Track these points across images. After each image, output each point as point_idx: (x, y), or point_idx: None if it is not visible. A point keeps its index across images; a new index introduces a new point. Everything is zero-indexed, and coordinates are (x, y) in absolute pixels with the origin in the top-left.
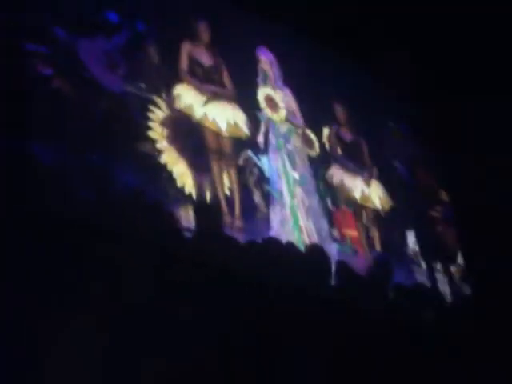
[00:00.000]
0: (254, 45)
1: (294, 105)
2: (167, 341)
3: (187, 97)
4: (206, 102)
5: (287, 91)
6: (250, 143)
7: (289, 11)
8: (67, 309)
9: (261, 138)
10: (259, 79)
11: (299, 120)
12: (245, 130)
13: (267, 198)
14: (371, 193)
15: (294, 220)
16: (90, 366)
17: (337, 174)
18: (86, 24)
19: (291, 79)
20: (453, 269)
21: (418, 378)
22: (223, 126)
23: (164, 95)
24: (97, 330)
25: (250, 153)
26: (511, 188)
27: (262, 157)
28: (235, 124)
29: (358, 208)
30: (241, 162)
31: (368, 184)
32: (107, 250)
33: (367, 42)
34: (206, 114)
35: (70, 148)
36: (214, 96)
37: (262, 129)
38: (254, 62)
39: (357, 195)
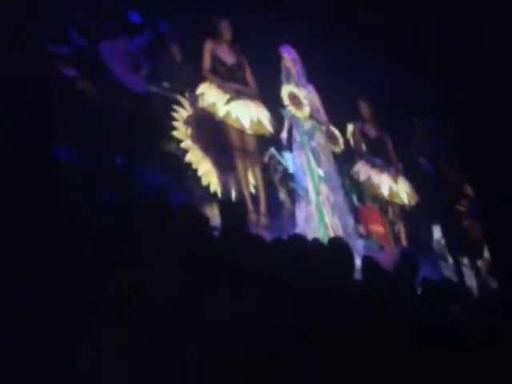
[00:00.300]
0: (278, 42)
1: (317, 102)
2: (196, 340)
3: (210, 95)
4: (228, 100)
5: (311, 88)
6: (274, 141)
7: (312, 8)
8: (93, 312)
9: (284, 135)
10: (283, 77)
11: (323, 117)
12: (269, 127)
13: (292, 195)
14: (398, 189)
15: (319, 217)
16: (119, 367)
17: (363, 171)
18: (109, 24)
19: (315, 76)
20: (479, 263)
21: (445, 373)
22: (247, 124)
23: (187, 94)
24: (125, 332)
25: (273, 150)
26: None
27: (286, 154)
28: (259, 121)
29: (383, 204)
30: (265, 159)
31: (395, 180)
32: (133, 252)
33: (391, 38)
34: (229, 112)
35: (95, 150)
36: (237, 94)
37: (286, 126)
38: (277, 60)
39: (385, 191)
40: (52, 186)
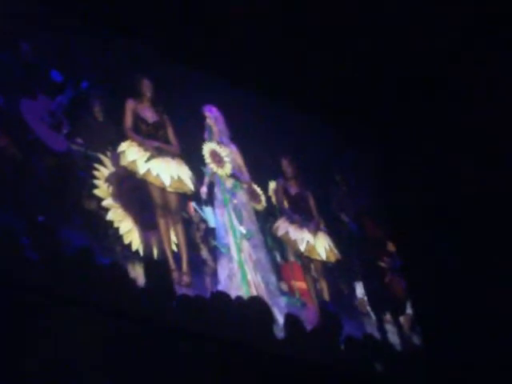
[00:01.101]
0: (201, 101)
1: (240, 161)
2: None
3: (131, 153)
4: (149, 158)
5: (233, 147)
6: (195, 198)
7: (234, 68)
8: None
9: (204, 190)
10: (205, 135)
11: (246, 176)
12: (189, 184)
13: (214, 252)
14: (317, 244)
15: (242, 274)
16: None
17: (282, 226)
18: (30, 83)
19: (238, 135)
20: (402, 319)
21: None
22: (167, 181)
23: (109, 153)
24: None
25: (194, 204)
26: (456, 236)
27: (207, 209)
28: (179, 179)
29: (305, 260)
30: (187, 214)
31: (314, 236)
32: (54, 315)
33: (315, 96)
34: (149, 170)
35: (16, 208)
36: (157, 152)
37: (206, 181)
38: (200, 118)
39: (301, 246)
40: None
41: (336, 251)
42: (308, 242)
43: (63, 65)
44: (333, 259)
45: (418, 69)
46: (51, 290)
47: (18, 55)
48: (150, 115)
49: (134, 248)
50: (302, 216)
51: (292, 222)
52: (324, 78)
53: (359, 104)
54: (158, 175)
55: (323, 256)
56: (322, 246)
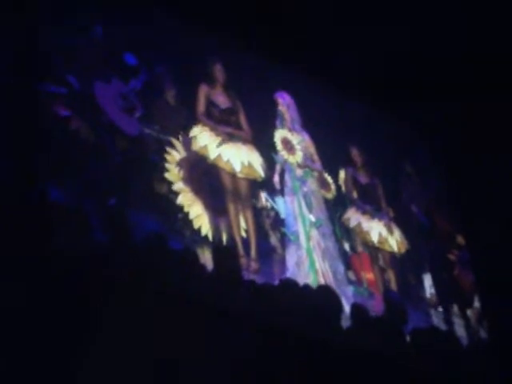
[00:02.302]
0: (273, 88)
1: (311, 149)
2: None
3: (202, 138)
4: (220, 143)
5: (305, 135)
6: (266, 185)
7: (308, 56)
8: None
9: (276, 179)
10: (277, 122)
11: (317, 164)
12: (260, 171)
13: (283, 240)
14: (388, 235)
15: (310, 262)
16: None
17: (354, 217)
18: (104, 66)
19: (309, 123)
20: (469, 312)
21: None
22: (237, 167)
23: (181, 137)
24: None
25: (264, 191)
26: None
27: (278, 198)
28: (250, 165)
29: (374, 251)
30: (259, 204)
31: (385, 227)
32: (123, 297)
33: (385, 86)
34: (220, 155)
35: (87, 191)
36: (229, 137)
37: (278, 170)
38: (272, 105)
39: (374, 238)
40: (43, 226)
41: (405, 242)
42: (380, 233)
43: (137, 48)
44: (402, 250)
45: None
46: (120, 273)
47: (92, 39)
48: (222, 100)
49: (203, 233)
50: (372, 206)
51: (363, 212)
52: (397, 68)
53: (432, 95)
54: (228, 161)
55: (394, 247)
56: (393, 238)
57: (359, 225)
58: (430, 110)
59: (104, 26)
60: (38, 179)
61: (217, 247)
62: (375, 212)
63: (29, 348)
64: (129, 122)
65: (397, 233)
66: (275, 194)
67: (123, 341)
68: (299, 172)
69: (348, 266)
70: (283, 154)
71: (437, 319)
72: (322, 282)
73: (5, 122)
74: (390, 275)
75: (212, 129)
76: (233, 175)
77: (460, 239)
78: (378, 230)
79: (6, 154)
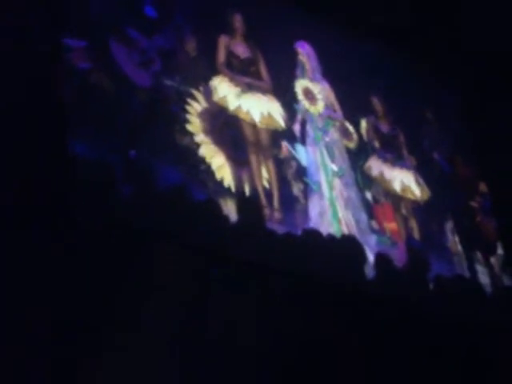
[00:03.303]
0: (293, 38)
1: (332, 98)
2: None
3: (222, 89)
4: (240, 94)
5: (325, 84)
6: (287, 134)
7: (327, 4)
8: (106, 313)
9: (297, 127)
10: (297, 72)
11: (338, 113)
12: (280, 121)
13: (306, 190)
14: (410, 183)
15: (332, 211)
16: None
17: (375, 166)
18: (122, 19)
19: (329, 72)
20: (492, 260)
21: (461, 369)
22: (257, 118)
23: (201, 88)
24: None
25: (286, 143)
26: None
27: (299, 147)
28: (270, 115)
29: (396, 199)
30: (280, 153)
31: (406, 175)
32: (150, 250)
33: (405, 32)
34: (240, 106)
35: (110, 143)
36: (248, 87)
37: (299, 119)
38: (292, 55)
39: (396, 186)
40: (68, 180)
41: (427, 190)
42: (402, 181)
43: (157, 1)
44: (424, 198)
45: None
46: (145, 225)
47: None
48: (242, 51)
49: (225, 184)
50: (394, 155)
51: (385, 160)
52: (416, 14)
53: (453, 41)
54: (248, 111)
55: (417, 195)
56: (414, 186)
57: (381, 174)
58: (450, 56)
59: None
60: (61, 134)
61: (240, 198)
62: (397, 160)
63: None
64: (142, 75)
65: (419, 181)
66: (296, 143)
67: (148, 293)
68: (321, 122)
69: (371, 215)
70: (304, 103)
71: (460, 267)
72: (345, 231)
73: (25, 75)
74: (413, 224)
75: (231, 79)
76: (253, 125)
77: (482, 186)
78: (400, 178)
79: (27, 109)
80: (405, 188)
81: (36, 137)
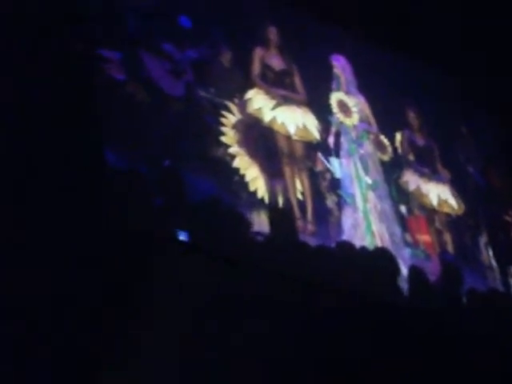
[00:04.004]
0: (328, 51)
1: (367, 111)
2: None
3: (257, 101)
4: (275, 106)
5: (361, 97)
6: (321, 147)
7: (363, 18)
8: (132, 315)
9: (331, 140)
10: (333, 85)
11: (373, 126)
12: (315, 133)
13: (339, 202)
14: (447, 197)
15: (366, 224)
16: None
17: (412, 180)
18: (156, 29)
19: (365, 85)
20: None
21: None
22: (292, 130)
23: (236, 100)
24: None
25: (320, 155)
26: None
27: (333, 159)
28: (304, 128)
29: (430, 212)
30: (314, 166)
31: (443, 189)
32: (178, 259)
33: (441, 46)
34: (275, 118)
35: (144, 154)
36: (283, 100)
37: (333, 131)
38: (328, 68)
39: (433, 201)
40: (102, 191)
41: (462, 204)
42: (439, 195)
43: (192, 11)
44: (459, 212)
45: None
46: (177, 236)
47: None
48: (277, 63)
49: (259, 195)
50: (429, 168)
51: (421, 175)
52: (454, 31)
53: (488, 58)
54: (283, 123)
55: (454, 209)
56: (451, 199)
57: (418, 188)
58: (484, 71)
59: None
60: (97, 144)
61: (273, 210)
62: (432, 174)
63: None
64: (174, 85)
65: (453, 194)
66: (331, 155)
67: (175, 304)
68: (355, 134)
69: (404, 228)
70: (339, 116)
71: (494, 281)
72: (379, 244)
73: (63, 86)
74: (447, 237)
75: (267, 91)
76: (288, 138)
77: None
78: (437, 192)
79: (65, 119)
80: (442, 202)
81: (73, 146)
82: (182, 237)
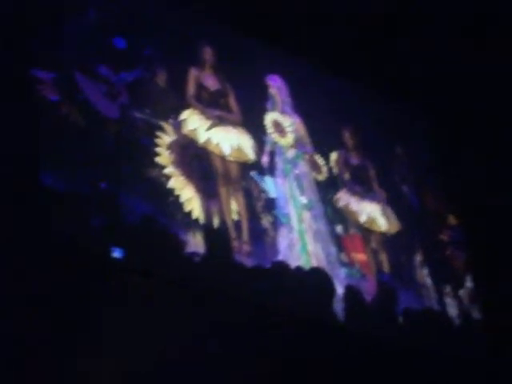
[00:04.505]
0: (264, 71)
1: (303, 131)
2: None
3: (192, 121)
4: (210, 127)
5: (296, 118)
6: (256, 167)
7: (298, 38)
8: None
9: (265, 159)
10: (268, 105)
11: (308, 147)
12: (250, 154)
13: (275, 222)
14: (378, 216)
15: (301, 244)
16: None
17: (343, 198)
18: (92, 50)
19: (300, 105)
20: (461, 292)
21: None
22: (227, 151)
23: (171, 120)
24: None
25: (254, 174)
26: None
27: (268, 180)
28: (239, 148)
29: (366, 232)
30: (248, 185)
31: (375, 207)
32: (117, 279)
33: (374, 66)
34: (210, 139)
35: (81, 175)
36: (218, 120)
37: (267, 150)
38: (263, 88)
39: (362, 218)
40: (39, 212)
41: (397, 223)
42: (369, 213)
43: (127, 32)
44: (393, 231)
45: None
46: (111, 257)
47: (82, 22)
48: (212, 83)
49: (194, 216)
50: (363, 187)
51: (353, 193)
52: (387, 51)
53: (422, 79)
54: (218, 144)
55: (384, 228)
56: (382, 218)
57: (347, 205)
58: (419, 91)
59: (95, 9)
60: (31, 165)
61: (208, 230)
62: (366, 193)
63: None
64: (109, 107)
65: (388, 214)
66: (266, 175)
67: (116, 323)
68: (290, 154)
69: (340, 247)
70: (274, 136)
71: (429, 300)
72: (315, 264)
73: None
74: (382, 257)
75: (202, 112)
76: (223, 158)
77: (452, 219)
78: (366, 211)
79: None
80: (370, 220)
81: (8, 168)
82: (117, 254)
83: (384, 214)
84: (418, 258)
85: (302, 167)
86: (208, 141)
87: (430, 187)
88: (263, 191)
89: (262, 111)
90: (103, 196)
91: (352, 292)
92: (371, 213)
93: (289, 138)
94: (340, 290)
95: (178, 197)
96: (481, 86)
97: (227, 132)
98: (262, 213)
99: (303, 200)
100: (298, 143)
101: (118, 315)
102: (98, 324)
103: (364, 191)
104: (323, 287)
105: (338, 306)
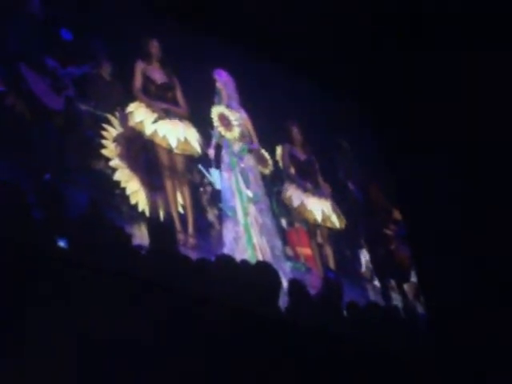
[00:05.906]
0: (211, 65)
1: (249, 126)
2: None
3: (139, 114)
4: (156, 119)
5: (242, 112)
6: (202, 160)
7: (246, 33)
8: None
9: (211, 152)
10: (214, 99)
11: (254, 141)
12: (196, 147)
13: (220, 215)
14: (330, 213)
15: (247, 237)
16: None
17: (296, 196)
18: (39, 42)
19: (247, 100)
20: (406, 287)
21: None
22: (173, 143)
23: (117, 113)
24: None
25: (201, 167)
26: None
27: (214, 173)
28: (186, 141)
29: (312, 226)
30: (194, 178)
31: (326, 204)
32: (57, 270)
33: (321, 61)
34: (156, 131)
35: (26, 167)
36: (165, 113)
37: (213, 143)
38: (210, 82)
39: (318, 216)
40: None
41: (342, 218)
42: (323, 210)
43: (73, 24)
44: (340, 226)
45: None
46: (55, 249)
47: (29, 13)
48: (158, 76)
49: (140, 208)
50: (311, 183)
51: (304, 190)
52: (335, 45)
53: (366, 73)
54: (164, 137)
55: (337, 224)
56: (330, 214)
57: (302, 204)
58: (366, 86)
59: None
60: None
61: (153, 223)
62: (315, 189)
63: None
64: (54, 99)
65: (333, 209)
66: (211, 168)
67: (57, 317)
68: (236, 148)
69: (285, 241)
70: (220, 129)
71: (374, 294)
72: (260, 257)
73: None
74: (328, 251)
75: (148, 105)
76: (169, 151)
77: (396, 214)
78: (321, 208)
79: None
80: (326, 218)
81: None
82: (62, 243)
83: (330, 209)
84: (363, 252)
85: (248, 161)
86: (154, 133)
87: (375, 182)
88: (209, 184)
89: (209, 105)
90: (46, 188)
91: (297, 286)
92: (325, 210)
93: (235, 132)
94: (285, 283)
95: (123, 189)
96: (422, 83)
97: (174, 125)
98: (208, 206)
99: (249, 193)
100: (244, 137)
101: (57, 309)
102: (34, 316)
103: (313, 187)
104: (268, 281)
105: (283, 300)
